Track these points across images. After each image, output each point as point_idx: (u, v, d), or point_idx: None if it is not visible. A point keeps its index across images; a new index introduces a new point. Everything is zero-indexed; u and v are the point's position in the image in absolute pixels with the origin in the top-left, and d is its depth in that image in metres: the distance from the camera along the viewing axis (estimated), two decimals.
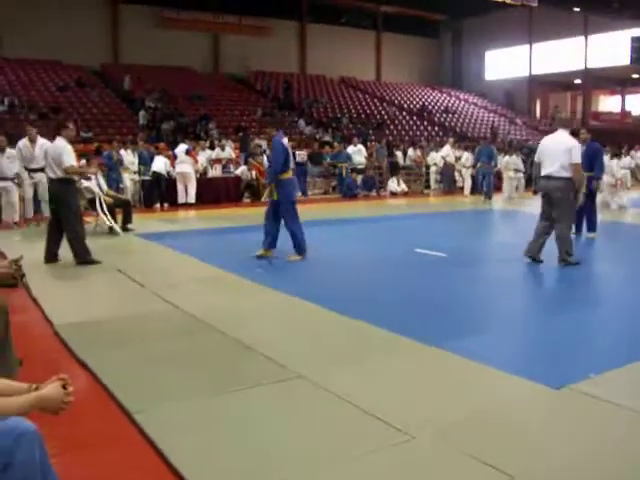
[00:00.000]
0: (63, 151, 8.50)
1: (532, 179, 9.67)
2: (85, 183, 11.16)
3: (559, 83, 39.71)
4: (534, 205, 14.58)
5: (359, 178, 20.98)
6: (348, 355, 4.96)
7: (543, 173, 8.48)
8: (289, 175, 9.10)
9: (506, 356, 4.93)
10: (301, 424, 3.76)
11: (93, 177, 11.19)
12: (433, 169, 22.28)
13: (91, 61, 30.31)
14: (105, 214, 11.31)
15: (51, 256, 8.76)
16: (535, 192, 9.16)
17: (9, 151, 12.57)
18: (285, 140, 9.15)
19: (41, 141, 12.79)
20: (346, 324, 5.78)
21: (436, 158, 22.09)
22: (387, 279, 7.94)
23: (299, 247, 9.07)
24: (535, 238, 8.62)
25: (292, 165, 9.24)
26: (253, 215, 14.94)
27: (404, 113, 35.19)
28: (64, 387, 2.61)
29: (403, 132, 31.86)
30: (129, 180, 15.93)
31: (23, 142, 12.84)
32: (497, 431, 3.61)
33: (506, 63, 41.01)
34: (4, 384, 2.70)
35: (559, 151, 8.28)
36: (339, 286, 7.55)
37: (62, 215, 8.68)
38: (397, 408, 3.87)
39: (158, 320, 6.07)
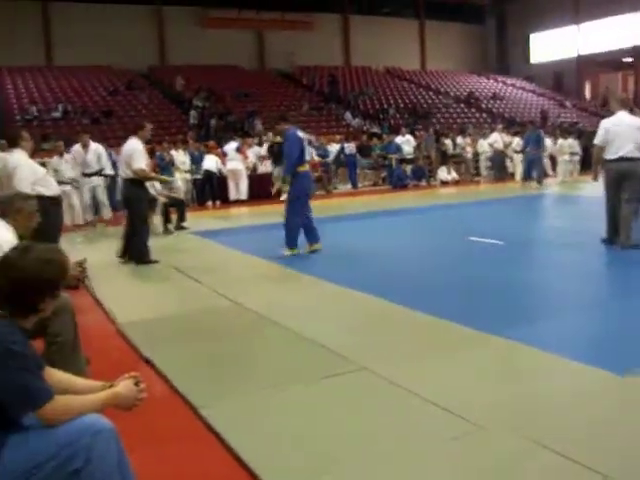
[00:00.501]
0: (134, 152, 8.62)
1: (592, 163, 9.31)
2: None
3: (609, 62, 38.71)
4: (588, 189, 14.35)
5: (409, 168, 20.88)
6: (410, 345, 4.95)
7: (614, 156, 8.20)
8: (305, 168, 9.02)
9: (570, 343, 4.85)
10: (367, 416, 3.75)
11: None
12: (483, 156, 22.05)
13: (139, 64, 30.78)
14: (164, 215, 11.53)
15: (124, 253, 8.98)
16: (596, 177, 8.88)
17: (67, 156, 12.92)
18: (300, 133, 9.09)
19: (94, 146, 13.14)
20: (405, 314, 5.77)
21: (485, 145, 21.86)
22: (443, 268, 7.89)
23: (290, 241, 8.93)
24: (612, 225, 8.44)
25: (308, 158, 9.16)
26: None
27: (451, 101, 34.85)
28: (136, 384, 2.68)
29: (451, 120, 31.55)
30: (181, 179, 16.13)
31: (76, 148, 13.18)
32: (563, 419, 3.57)
33: (553, 45, 40.13)
34: (80, 383, 2.79)
35: (631, 131, 8.10)
36: (395, 277, 7.52)
37: (129, 214, 8.93)
38: (463, 398, 3.85)
39: (219, 316, 6.16)
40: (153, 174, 9.70)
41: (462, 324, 5.27)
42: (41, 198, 6.87)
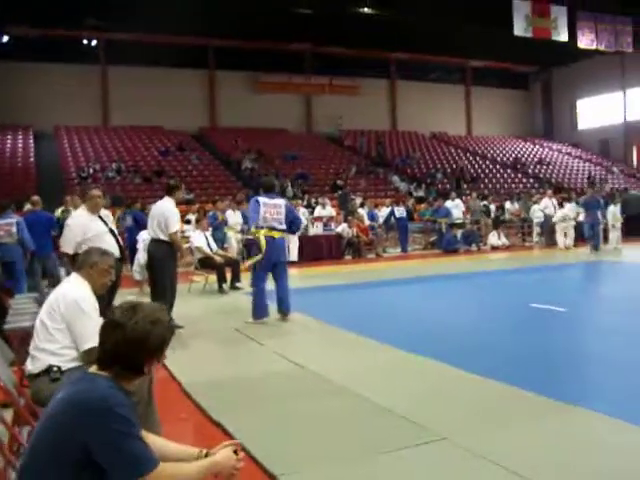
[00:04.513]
0: (170, 215, 8.22)
1: None
2: (196, 243, 11.46)
3: None
4: None
5: (459, 233, 20.73)
6: (487, 415, 4.78)
7: None
8: (260, 234, 8.61)
9: None
10: None
11: (203, 237, 11.43)
12: (535, 221, 21.77)
13: (190, 126, 31.59)
14: (219, 275, 11.53)
15: None
16: None
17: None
18: (262, 199, 8.75)
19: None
20: (476, 382, 5.59)
21: (537, 211, 21.61)
22: (510, 335, 7.65)
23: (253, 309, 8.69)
24: None
25: (272, 225, 8.65)
26: (356, 272, 14.97)
27: (497, 166, 34.80)
28: (235, 453, 2.59)
29: (498, 185, 31.48)
30: (234, 239, 16.12)
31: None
32: None
33: (599, 111, 40.04)
34: (174, 447, 2.71)
35: None
36: (459, 343, 7.29)
37: (153, 276, 8.46)
38: (549, 470, 3.69)
39: (284, 380, 6.03)
40: (180, 243, 9.01)
41: (536, 393, 5.09)
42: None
